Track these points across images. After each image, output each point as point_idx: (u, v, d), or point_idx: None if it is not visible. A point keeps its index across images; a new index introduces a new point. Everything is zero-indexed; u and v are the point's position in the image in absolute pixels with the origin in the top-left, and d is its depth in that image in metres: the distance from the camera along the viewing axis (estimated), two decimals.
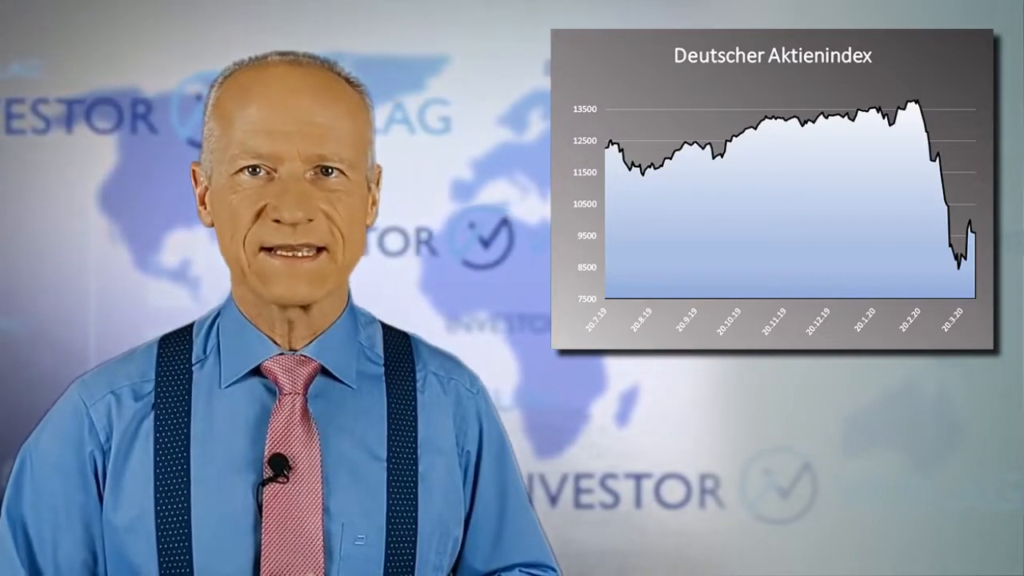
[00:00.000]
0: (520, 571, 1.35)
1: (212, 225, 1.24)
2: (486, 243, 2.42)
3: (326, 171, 1.19)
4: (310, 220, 1.17)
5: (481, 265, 2.42)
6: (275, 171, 1.18)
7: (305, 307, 1.22)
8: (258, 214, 1.17)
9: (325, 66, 1.24)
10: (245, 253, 1.18)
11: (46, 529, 1.21)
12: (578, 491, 2.43)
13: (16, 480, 1.23)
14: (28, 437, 1.25)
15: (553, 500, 2.43)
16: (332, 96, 1.21)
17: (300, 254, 1.18)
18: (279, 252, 1.18)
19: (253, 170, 1.18)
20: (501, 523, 1.35)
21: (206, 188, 1.24)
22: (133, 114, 2.41)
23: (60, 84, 2.41)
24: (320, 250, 1.19)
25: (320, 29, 2.39)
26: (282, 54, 1.23)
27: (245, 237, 1.18)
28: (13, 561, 1.21)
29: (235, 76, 1.23)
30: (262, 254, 1.18)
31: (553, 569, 1.39)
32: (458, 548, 1.31)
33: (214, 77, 1.26)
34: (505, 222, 2.42)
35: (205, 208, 1.25)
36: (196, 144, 2.40)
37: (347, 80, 1.25)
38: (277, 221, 1.17)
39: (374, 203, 1.28)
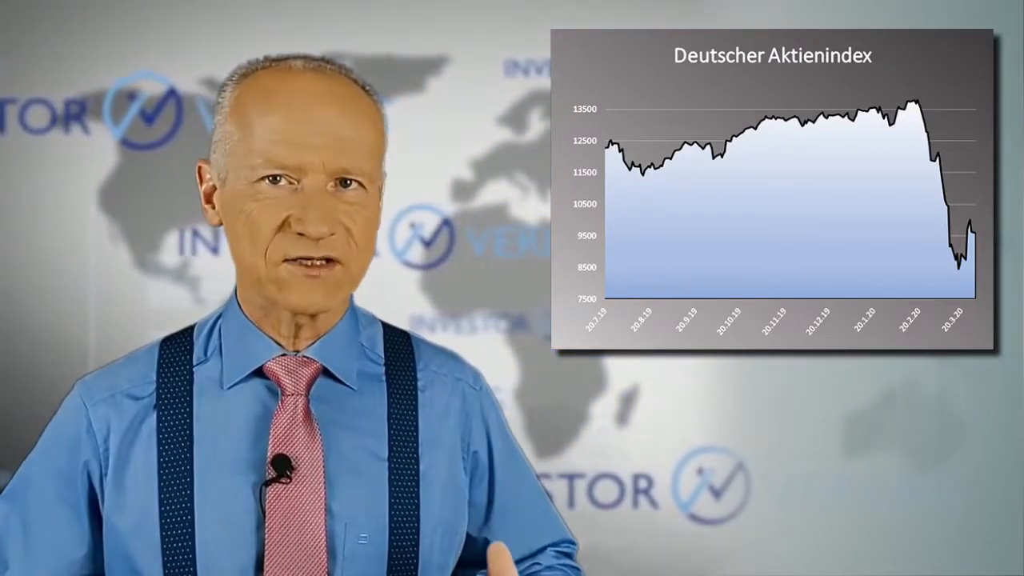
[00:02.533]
0: (551, 551, 1.39)
1: (219, 224, 1.23)
2: (427, 243, 2.42)
3: (346, 183, 1.19)
4: (332, 234, 1.17)
5: (422, 265, 2.42)
6: (298, 182, 1.17)
7: (314, 314, 1.23)
8: (280, 226, 1.17)
9: (345, 74, 1.23)
10: (266, 263, 1.18)
11: (34, 525, 1.22)
12: (575, 490, 2.44)
13: (18, 474, 1.25)
14: (29, 443, 1.26)
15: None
16: (356, 108, 1.21)
17: (317, 263, 1.18)
18: (299, 262, 1.18)
19: (274, 179, 1.17)
20: (524, 513, 1.37)
21: (213, 187, 1.23)
22: (66, 114, 2.40)
23: None
24: (334, 260, 1.19)
25: (319, 29, 2.39)
26: (305, 59, 1.22)
27: (267, 248, 1.17)
28: (5, 550, 1.22)
29: (256, 78, 1.21)
30: (283, 264, 1.18)
31: (572, 542, 1.43)
32: (462, 546, 1.31)
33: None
34: (446, 223, 2.42)
35: (212, 207, 1.24)
36: (130, 144, 2.40)
37: (364, 88, 1.25)
38: (300, 234, 1.16)
39: (379, 209, 1.28)
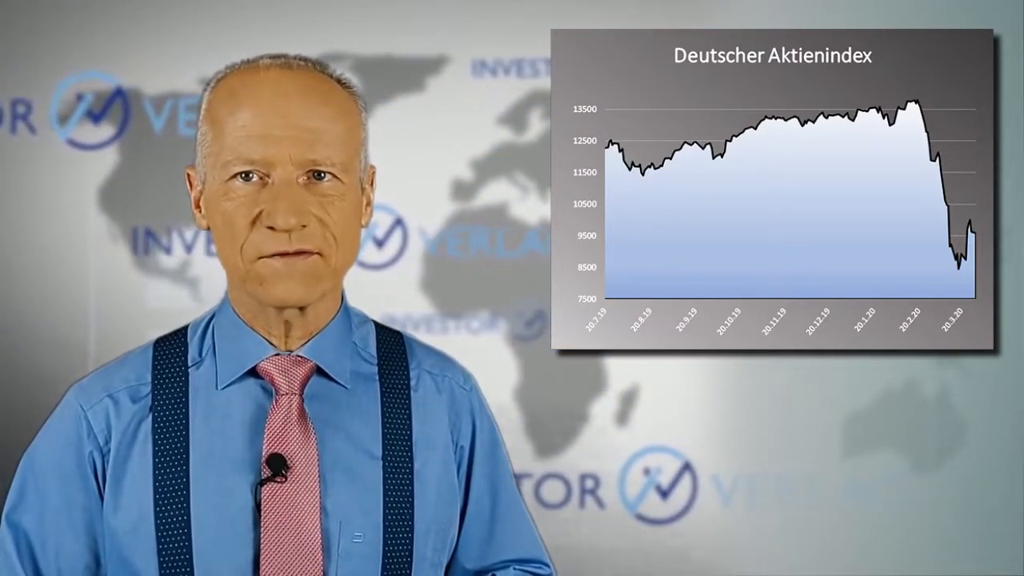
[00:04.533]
0: (515, 568, 1.36)
1: (207, 228, 1.24)
2: (380, 243, 2.42)
3: (319, 175, 1.19)
4: (304, 226, 1.17)
5: (375, 265, 2.42)
6: (268, 176, 1.18)
7: (301, 308, 1.23)
8: (253, 221, 1.18)
9: (316, 68, 1.24)
10: (243, 261, 1.19)
11: (48, 534, 1.21)
12: (573, 491, 2.44)
13: (16, 487, 1.24)
14: (28, 444, 1.25)
15: (553, 500, 2.43)
16: (323, 99, 1.21)
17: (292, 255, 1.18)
18: (275, 257, 1.18)
19: (246, 176, 1.18)
20: (493, 520, 1.35)
21: (200, 192, 1.24)
22: (13, 114, 2.41)
23: None
24: (315, 253, 1.19)
25: (319, 29, 2.40)
26: (273, 57, 1.23)
27: (242, 246, 1.18)
28: (15, 568, 1.21)
29: (226, 80, 1.23)
30: (260, 260, 1.18)
31: (547, 564, 1.39)
32: (454, 544, 1.31)
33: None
34: (399, 222, 2.42)
35: (200, 212, 1.25)
36: (76, 145, 2.40)
37: (338, 81, 1.25)
38: (271, 228, 1.17)
39: (368, 203, 1.28)
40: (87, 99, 2.41)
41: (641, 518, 2.44)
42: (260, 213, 1.17)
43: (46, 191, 2.41)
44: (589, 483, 2.43)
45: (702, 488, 2.43)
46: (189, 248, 2.40)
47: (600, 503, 2.44)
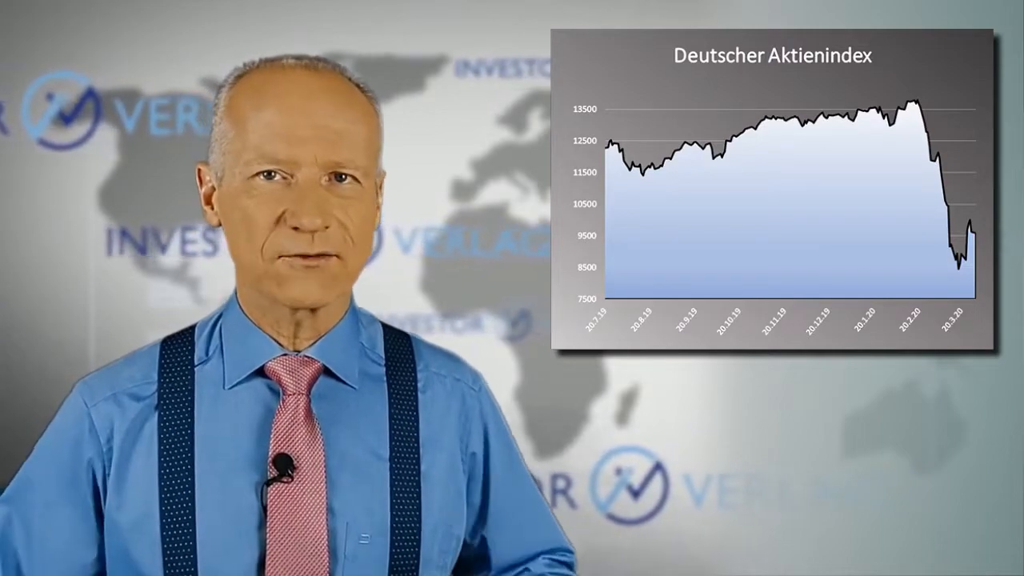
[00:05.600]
0: (544, 558, 1.38)
1: (219, 225, 1.24)
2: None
3: (340, 177, 1.19)
4: (327, 227, 1.17)
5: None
6: (292, 176, 1.17)
7: (313, 310, 1.22)
8: (276, 221, 1.17)
9: (338, 71, 1.24)
10: (263, 260, 1.18)
11: (35, 528, 1.21)
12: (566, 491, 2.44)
13: (17, 478, 1.24)
14: (29, 443, 1.25)
15: (552, 501, 2.43)
16: (347, 102, 1.21)
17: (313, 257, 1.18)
18: (296, 257, 1.18)
19: (269, 174, 1.17)
20: (520, 516, 1.37)
21: (213, 188, 1.24)
22: None
23: None
24: (334, 255, 1.19)
25: (319, 29, 2.39)
26: (297, 57, 1.23)
27: (263, 245, 1.17)
28: (12, 554, 1.21)
29: (249, 77, 1.22)
30: (280, 260, 1.18)
31: (570, 551, 1.42)
32: (460, 547, 1.31)
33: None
34: (383, 224, 2.42)
35: (212, 208, 1.24)
36: (47, 144, 2.40)
37: (358, 86, 1.25)
38: (295, 228, 1.16)
39: (377, 207, 1.28)
40: (58, 99, 2.40)
41: (612, 518, 2.44)
42: (284, 213, 1.17)
43: (23, 190, 2.41)
44: (560, 483, 2.43)
45: (704, 489, 2.43)
46: (164, 248, 2.40)
47: (573, 504, 2.43)
